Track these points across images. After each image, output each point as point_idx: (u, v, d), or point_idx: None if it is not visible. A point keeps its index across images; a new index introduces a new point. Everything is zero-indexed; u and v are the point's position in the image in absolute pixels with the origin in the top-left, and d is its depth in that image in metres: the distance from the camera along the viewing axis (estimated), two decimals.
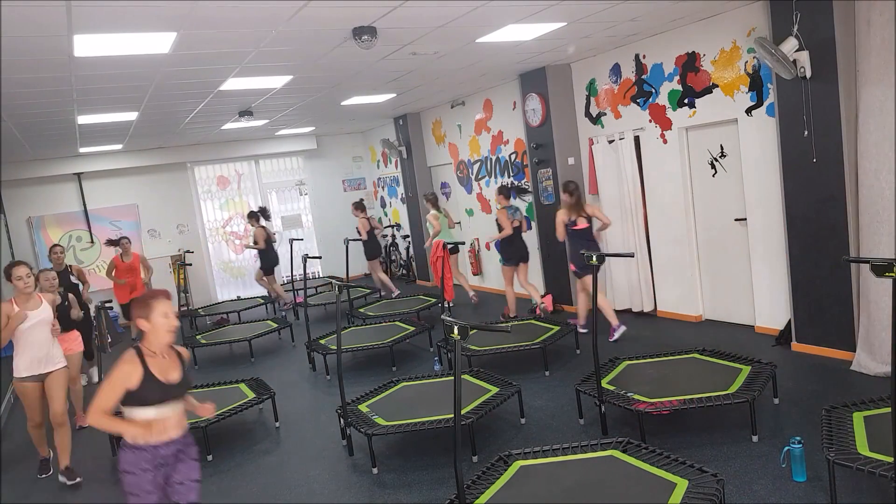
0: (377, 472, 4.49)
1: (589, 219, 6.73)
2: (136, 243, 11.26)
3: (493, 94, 9.25)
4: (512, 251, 7.78)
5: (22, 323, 4.77)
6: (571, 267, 6.97)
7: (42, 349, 4.88)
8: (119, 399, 2.86)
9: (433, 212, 9.31)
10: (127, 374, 2.87)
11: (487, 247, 9.29)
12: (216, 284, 12.29)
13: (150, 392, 2.89)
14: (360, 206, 10.37)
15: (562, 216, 6.71)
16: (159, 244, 11.52)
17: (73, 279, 7.18)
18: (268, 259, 10.47)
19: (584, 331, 6.86)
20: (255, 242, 10.40)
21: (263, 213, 10.52)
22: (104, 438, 5.41)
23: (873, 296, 4.98)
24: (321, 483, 4.48)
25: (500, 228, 7.76)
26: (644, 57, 6.95)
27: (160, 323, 2.96)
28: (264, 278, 10.55)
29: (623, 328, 6.75)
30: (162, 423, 2.92)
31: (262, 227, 10.43)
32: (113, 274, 9.20)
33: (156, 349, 2.99)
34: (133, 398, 2.88)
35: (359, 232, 10.25)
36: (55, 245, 7.35)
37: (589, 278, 6.58)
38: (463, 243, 6.79)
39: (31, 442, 5.32)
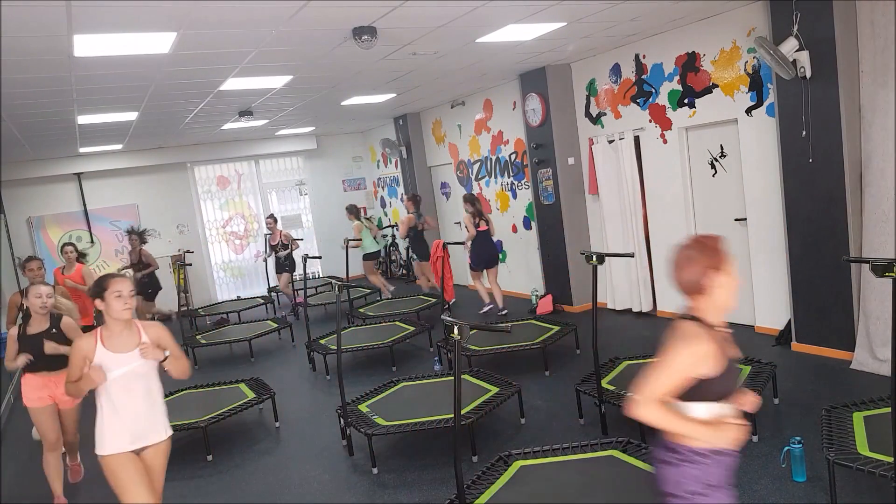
0: (377, 472, 4.49)
1: (488, 222, 8.24)
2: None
3: (493, 94, 9.24)
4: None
5: (108, 374, 3.05)
6: (468, 260, 8.58)
7: (141, 413, 3.12)
8: (680, 389, 2.03)
9: (356, 223, 9.99)
10: (702, 353, 2.00)
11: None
12: (216, 284, 12.29)
13: (727, 380, 2.06)
14: (274, 219, 10.63)
15: (468, 220, 8.15)
16: (159, 244, 11.51)
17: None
18: (155, 284, 9.52)
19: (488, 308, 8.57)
20: (149, 265, 9.36)
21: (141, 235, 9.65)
22: None
23: (873, 296, 4.98)
24: (321, 483, 4.48)
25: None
26: (644, 57, 6.94)
27: (732, 284, 2.15)
28: (151, 304, 9.44)
29: (490, 306, 8.50)
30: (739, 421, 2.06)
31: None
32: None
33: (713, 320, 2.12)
34: (703, 390, 2.02)
35: (286, 246, 10.31)
36: (31, 258, 5.67)
37: (491, 270, 8.35)
38: (464, 243, 6.82)
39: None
